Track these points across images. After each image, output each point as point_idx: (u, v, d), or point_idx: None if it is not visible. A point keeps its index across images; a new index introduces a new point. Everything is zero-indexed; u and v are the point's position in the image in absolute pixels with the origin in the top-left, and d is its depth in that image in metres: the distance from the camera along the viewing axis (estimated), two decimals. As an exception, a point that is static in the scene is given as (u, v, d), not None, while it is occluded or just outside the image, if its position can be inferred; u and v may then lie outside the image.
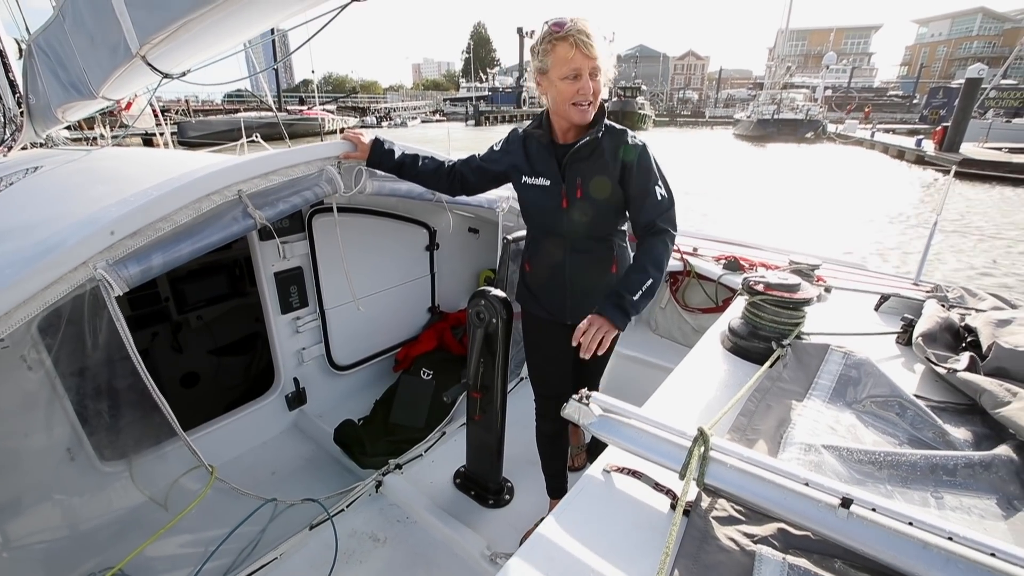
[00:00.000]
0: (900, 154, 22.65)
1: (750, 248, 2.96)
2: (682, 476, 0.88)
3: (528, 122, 1.58)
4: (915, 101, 54.39)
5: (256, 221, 1.48)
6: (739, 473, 0.85)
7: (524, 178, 1.55)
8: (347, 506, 1.93)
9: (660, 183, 1.44)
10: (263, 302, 2.33)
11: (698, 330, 2.65)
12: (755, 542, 0.80)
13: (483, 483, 2.05)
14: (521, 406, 2.50)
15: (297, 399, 2.55)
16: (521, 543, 1.87)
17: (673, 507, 0.90)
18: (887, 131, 31.65)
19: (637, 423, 0.98)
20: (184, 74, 2.10)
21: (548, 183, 1.49)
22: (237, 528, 1.78)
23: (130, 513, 1.93)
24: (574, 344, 1.32)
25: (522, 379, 2.87)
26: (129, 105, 4.10)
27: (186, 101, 33.97)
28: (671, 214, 1.44)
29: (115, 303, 1.30)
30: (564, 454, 1.95)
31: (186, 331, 3.17)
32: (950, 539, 0.67)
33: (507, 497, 2.04)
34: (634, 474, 0.97)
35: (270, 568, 1.68)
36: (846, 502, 0.75)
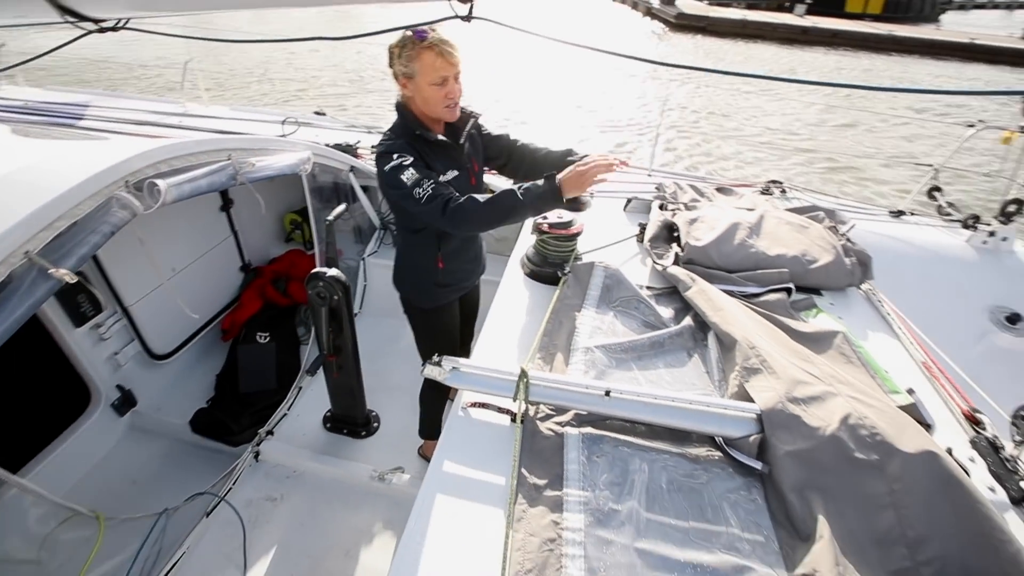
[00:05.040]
0: (635, 4, 25.19)
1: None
2: (514, 399, 1.30)
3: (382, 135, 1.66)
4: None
5: (61, 279, 1.26)
6: (547, 388, 1.31)
7: (440, 177, 1.63)
8: (233, 483, 2.06)
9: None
10: (47, 323, 2.03)
11: (499, 238, 3.09)
12: (562, 426, 1.29)
13: (352, 420, 2.34)
14: (367, 337, 2.72)
15: (126, 402, 2.38)
16: (421, 456, 2.24)
17: (513, 420, 1.33)
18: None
19: (478, 371, 1.36)
20: None
21: (457, 172, 1.67)
22: (140, 553, 1.81)
23: None
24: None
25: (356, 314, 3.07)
26: None
27: None
28: None
29: None
30: (444, 398, 2.19)
31: None
32: (655, 398, 1.23)
33: (375, 425, 2.39)
34: (483, 406, 1.37)
35: (183, 563, 1.81)
36: (607, 393, 1.25)
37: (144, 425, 2.43)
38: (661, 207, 2.27)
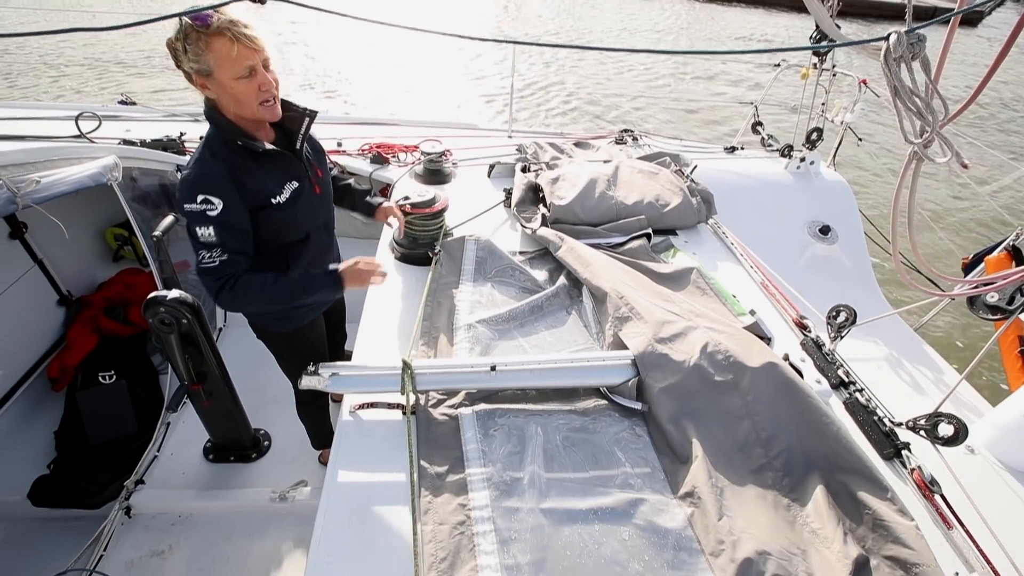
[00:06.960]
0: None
1: (385, 125, 3.25)
2: (402, 392, 1.26)
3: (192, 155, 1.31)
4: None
5: None
6: (434, 375, 1.28)
7: (274, 199, 1.34)
8: (104, 549, 1.78)
9: None
10: None
11: (365, 222, 2.94)
12: (455, 408, 1.28)
13: (238, 445, 2.13)
14: (237, 352, 2.45)
15: None
16: (323, 463, 2.09)
17: (404, 414, 1.29)
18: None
19: (359, 372, 1.29)
20: None
21: (297, 184, 1.39)
22: None
23: None
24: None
25: (220, 329, 2.77)
26: None
27: None
28: None
29: None
30: (324, 409, 2.04)
31: None
32: (539, 364, 1.26)
33: (266, 444, 2.20)
34: (372, 405, 1.31)
35: None
36: (493, 367, 1.26)
37: None
38: (524, 169, 2.29)
